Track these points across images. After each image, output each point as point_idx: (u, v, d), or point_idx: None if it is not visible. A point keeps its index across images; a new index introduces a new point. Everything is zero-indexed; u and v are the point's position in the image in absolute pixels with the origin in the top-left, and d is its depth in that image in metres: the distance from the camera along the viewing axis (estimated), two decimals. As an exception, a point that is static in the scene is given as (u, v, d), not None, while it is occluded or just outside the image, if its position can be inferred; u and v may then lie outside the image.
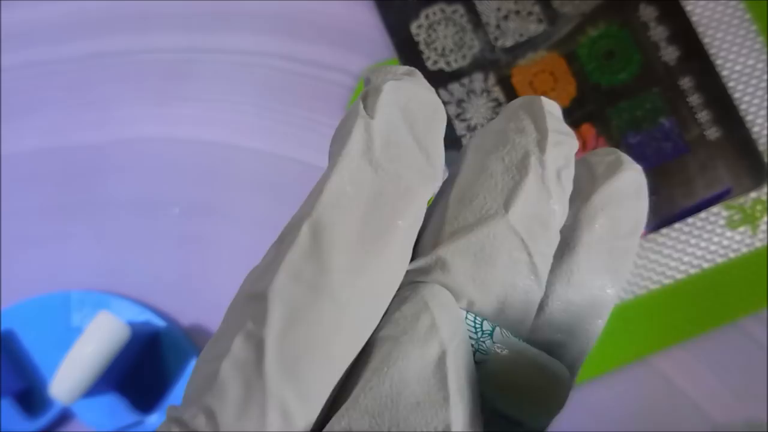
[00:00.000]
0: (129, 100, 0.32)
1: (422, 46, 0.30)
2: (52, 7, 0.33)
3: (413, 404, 0.12)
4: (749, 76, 0.29)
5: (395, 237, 0.13)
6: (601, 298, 0.14)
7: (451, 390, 0.12)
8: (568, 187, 0.14)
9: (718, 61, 0.29)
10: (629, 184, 0.14)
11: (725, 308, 0.28)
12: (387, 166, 0.13)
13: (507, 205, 0.13)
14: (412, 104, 0.13)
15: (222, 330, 0.12)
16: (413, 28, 0.31)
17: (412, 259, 0.13)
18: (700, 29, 0.30)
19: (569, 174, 0.14)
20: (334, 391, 0.12)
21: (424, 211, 0.13)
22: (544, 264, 0.14)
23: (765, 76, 0.29)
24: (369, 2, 0.31)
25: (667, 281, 0.28)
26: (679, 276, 0.28)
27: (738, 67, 0.29)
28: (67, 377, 0.26)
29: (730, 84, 0.29)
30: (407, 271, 0.13)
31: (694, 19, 0.30)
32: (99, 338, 0.26)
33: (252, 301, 0.12)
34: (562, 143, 0.14)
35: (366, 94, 0.13)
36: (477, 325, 0.13)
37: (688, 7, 0.30)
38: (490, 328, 0.13)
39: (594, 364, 0.28)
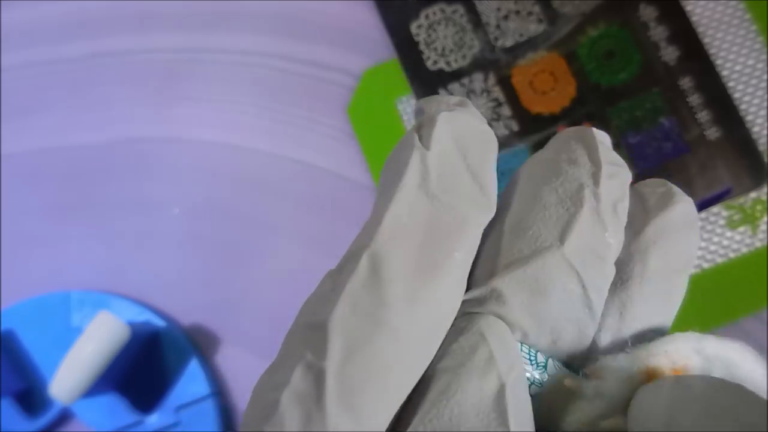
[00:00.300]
0: (129, 100, 0.32)
1: (422, 46, 0.30)
2: (52, 7, 0.33)
3: None
4: (749, 76, 0.29)
5: (452, 268, 0.13)
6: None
7: (512, 424, 0.12)
8: (623, 219, 0.14)
9: (718, 61, 0.29)
10: (682, 217, 0.14)
11: (725, 308, 0.28)
12: (442, 197, 0.13)
13: (562, 238, 0.13)
14: (465, 135, 0.14)
15: (280, 359, 0.12)
16: (413, 28, 0.31)
17: (467, 289, 0.13)
18: (700, 29, 0.30)
19: (625, 206, 0.14)
20: (391, 423, 0.12)
21: (479, 241, 0.13)
22: (599, 297, 0.13)
23: (765, 76, 0.29)
24: (369, 2, 0.31)
25: (667, 281, 0.28)
26: (679, 276, 0.28)
27: (738, 67, 0.29)
28: (67, 377, 0.26)
29: (730, 84, 0.29)
30: (463, 302, 0.13)
31: (694, 19, 0.30)
32: (99, 338, 0.26)
33: (311, 331, 0.12)
34: (617, 175, 0.14)
35: (420, 125, 0.14)
36: (531, 357, 0.13)
37: (688, 7, 0.30)
38: (544, 360, 0.13)
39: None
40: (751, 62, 0.29)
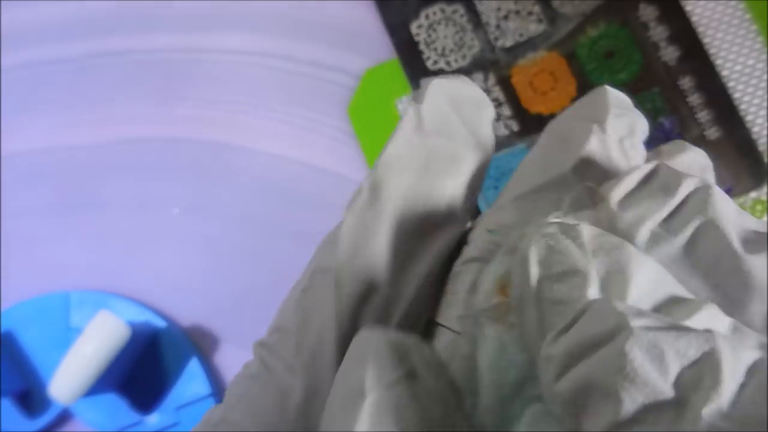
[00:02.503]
0: (129, 100, 0.32)
1: (422, 46, 0.30)
2: (52, 7, 0.33)
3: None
4: (749, 76, 0.29)
5: (445, 190, 0.14)
6: None
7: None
8: (635, 157, 0.15)
9: (718, 61, 0.29)
10: (695, 158, 0.15)
11: (725, 308, 0.28)
12: (436, 139, 0.15)
13: (569, 160, 0.14)
14: (458, 96, 0.15)
15: (305, 269, 0.15)
16: (413, 28, 0.31)
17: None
18: (700, 29, 0.30)
19: (633, 143, 0.15)
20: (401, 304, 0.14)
21: (473, 174, 0.15)
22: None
23: (765, 76, 0.29)
24: (369, 2, 0.31)
25: (667, 281, 0.28)
26: (679, 276, 0.28)
27: (738, 67, 0.29)
28: (67, 377, 0.26)
29: (730, 84, 0.29)
30: (477, 231, 0.15)
31: (694, 19, 0.30)
32: (99, 338, 0.26)
33: (327, 245, 0.15)
34: (625, 116, 0.15)
35: (417, 91, 0.15)
36: None
37: (688, 7, 0.30)
38: None
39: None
40: (751, 62, 0.29)
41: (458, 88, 0.15)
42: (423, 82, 0.16)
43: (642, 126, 0.15)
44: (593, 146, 0.14)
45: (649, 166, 0.13)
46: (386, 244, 0.14)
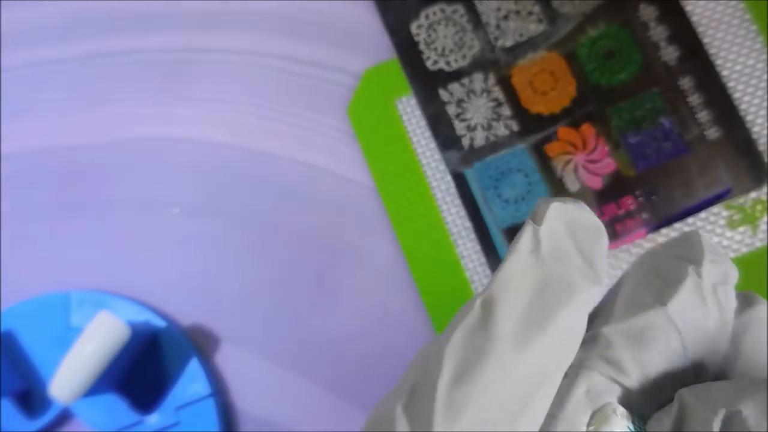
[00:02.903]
0: (129, 100, 0.32)
1: (422, 46, 0.30)
2: (52, 7, 0.33)
3: None
4: (749, 76, 0.29)
5: (558, 321, 0.14)
6: None
7: None
8: (725, 304, 0.15)
9: (718, 61, 0.29)
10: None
11: (725, 308, 0.28)
12: (552, 264, 0.15)
13: (664, 300, 0.15)
14: (575, 222, 0.15)
15: (400, 382, 0.14)
16: (413, 28, 0.31)
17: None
18: (700, 29, 0.30)
19: (726, 292, 0.15)
20: None
21: (588, 309, 0.15)
22: (697, 354, 0.15)
23: (765, 76, 0.29)
24: (369, 2, 0.31)
25: (667, 281, 0.28)
26: (679, 276, 0.28)
27: (738, 67, 0.29)
28: (67, 377, 0.26)
29: (730, 84, 0.29)
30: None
31: (694, 19, 0.30)
32: (99, 338, 0.26)
33: (430, 358, 0.14)
34: (719, 262, 0.15)
35: (535, 211, 0.16)
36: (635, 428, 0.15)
37: (688, 7, 0.30)
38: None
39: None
40: (751, 62, 0.29)
41: (576, 215, 0.15)
42: (541, 202, 0.16)
43: (734, 275, 0.16)
44: (688, 289, 0.15)
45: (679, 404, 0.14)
46: (495, 369, 0.13)
